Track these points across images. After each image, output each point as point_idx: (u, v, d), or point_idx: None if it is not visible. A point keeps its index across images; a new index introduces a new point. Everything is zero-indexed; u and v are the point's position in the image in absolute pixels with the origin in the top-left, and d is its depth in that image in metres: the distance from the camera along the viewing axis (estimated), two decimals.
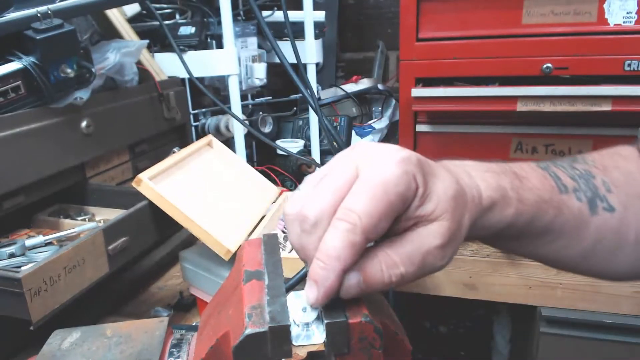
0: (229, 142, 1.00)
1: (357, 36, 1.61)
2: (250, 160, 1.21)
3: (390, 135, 1.36)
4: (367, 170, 0.31)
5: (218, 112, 1.09)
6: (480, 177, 0.37)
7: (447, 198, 0.33)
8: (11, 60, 0.61)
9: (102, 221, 0.70)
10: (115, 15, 0.89)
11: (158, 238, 0.67)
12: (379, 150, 0.32)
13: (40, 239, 0.61)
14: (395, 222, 0.32)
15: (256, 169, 0.84)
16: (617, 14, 0.94)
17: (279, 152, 1.12)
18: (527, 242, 0.41)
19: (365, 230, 0.29)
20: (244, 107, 1.11)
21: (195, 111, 1.05)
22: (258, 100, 1.21)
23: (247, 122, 1.07)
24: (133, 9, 0.97)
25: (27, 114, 0.62)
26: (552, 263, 0.44)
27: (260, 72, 1.09)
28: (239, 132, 0.99)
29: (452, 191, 0.33)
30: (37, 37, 0.61)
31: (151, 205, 0.62)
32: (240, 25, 1.08)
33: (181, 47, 0.98)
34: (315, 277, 0.29)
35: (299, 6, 1.08)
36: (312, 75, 1.11)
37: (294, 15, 1.07)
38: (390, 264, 0.31)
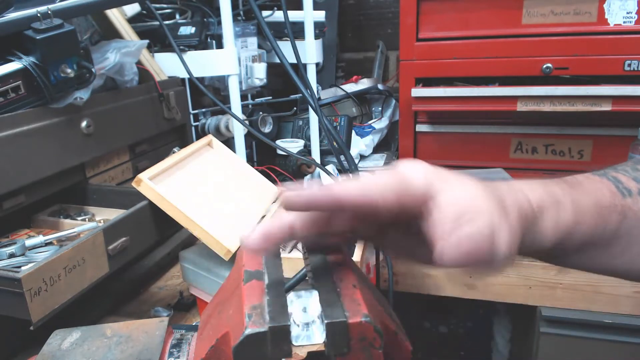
0: (229, 142, 1.00)
1: (357, 36, 1.61)
2: (250, 160, 1.21)
3: (390, 135, 1.36)
4: None
5: (218, 112, 1.09)
6: (524, 185, 0.35)
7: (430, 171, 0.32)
8: (11, 60, 0.61)
9: (102, 221, 0.70)
10: (115, 15, 0.89)
11: (158, 238, 0.67)
12: None
13: (40, 239, 0.61)
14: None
15: (256, 169, 0.84)
16: (617, 14, 0.94)
17: (279, 152, 1.12)
18: (593, 254, 0.37)
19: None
20: (244, 107, 1.11)
21: (195, 111, 1.05)
22: (258, 100, 1.21)
23: (247, 122, 1.07)
24: (133, 9, 0.97)
25: (27, 114, 0.62)
26: (625, 275, 0.40)
27: (260, 72, 1.09)
28: (239, 132, 0.99)
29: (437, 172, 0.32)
30: (37, 37, 0.61)
31: (151, 205, 0.62)
32: (240, 25, 1.08)
33: (181, 47, 0.98)
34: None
35: (299, 6, 1.08)
36: (312, 75, 1.11)
37: (294, 15, 1.07)
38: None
